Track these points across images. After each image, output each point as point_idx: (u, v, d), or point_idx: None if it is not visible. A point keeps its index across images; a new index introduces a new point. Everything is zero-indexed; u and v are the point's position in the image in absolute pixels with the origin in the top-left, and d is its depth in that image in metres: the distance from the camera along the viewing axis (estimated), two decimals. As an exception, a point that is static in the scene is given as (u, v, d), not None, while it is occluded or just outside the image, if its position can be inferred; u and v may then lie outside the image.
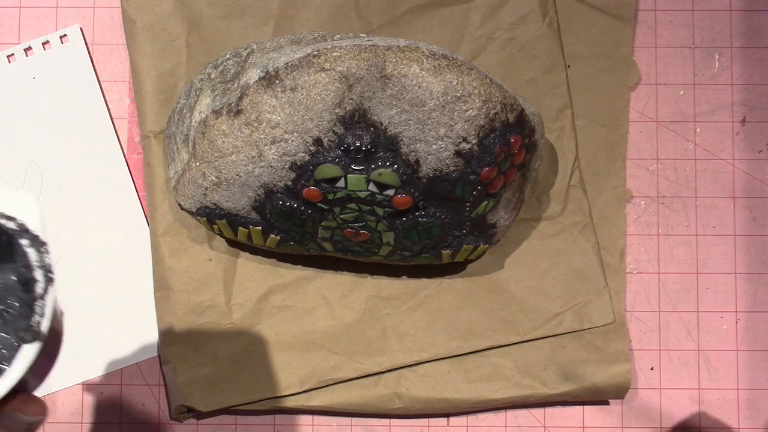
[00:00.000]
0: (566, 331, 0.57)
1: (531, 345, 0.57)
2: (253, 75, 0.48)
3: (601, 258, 0.58)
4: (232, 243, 0.58)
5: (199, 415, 0.58)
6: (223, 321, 0.58)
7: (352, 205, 0.49)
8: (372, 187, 0.48)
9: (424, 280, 0.58)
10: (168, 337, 0.57)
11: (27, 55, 0.60)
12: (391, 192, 0.49)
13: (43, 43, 0.60)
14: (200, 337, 0.57)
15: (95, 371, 0.59)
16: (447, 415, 0.59)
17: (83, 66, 0.60)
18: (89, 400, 0.59)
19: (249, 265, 0.58)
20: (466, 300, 0.58)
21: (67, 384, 0.58)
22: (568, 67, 0.58)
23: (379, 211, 0.50)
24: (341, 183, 0.48)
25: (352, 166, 0.48)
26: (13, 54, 0.60)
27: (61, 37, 0.60)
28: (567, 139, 0.58)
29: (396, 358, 0.57)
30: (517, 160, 0.50)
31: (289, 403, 0.57)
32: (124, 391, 0.59)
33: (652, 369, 0.59)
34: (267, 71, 0.48)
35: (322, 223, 0.51)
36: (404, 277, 0.58)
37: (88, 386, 0.59)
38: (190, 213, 0.53)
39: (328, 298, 0.58)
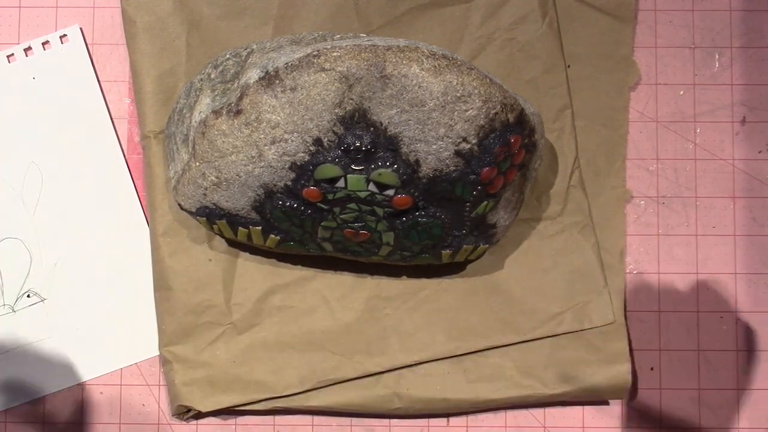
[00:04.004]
0: (566, 331, 0.57)
1: (531, 345, 0.57)
2: (253, 75, 0.48)
3: (601, 258, 0.58)
4: (232, 243, 0.58)
5: (199, 415, 0.58)
6: (223, 321, 0.58)
7: (352, 205, 0.49)
8: (372, 187, 0.48)
9: (424, 280, 0.58)
10: (168, 337, 0.57)
11: (27, 55, 0.60)
12: (391, 192, 0.49)
13: (43, 43, 0.60)
14: (200, 337, 0.57)
15: (95, 371, 0.59)
16: (447, 415, 0.59)
17: (83, 66, 0.60)
18: (89, 400, 0.59)
19: (249, 265, 0.58)
20: (465, 300, 0.58)
21: (67, 384, 0.58)
22: (568, 67, 0.58)
23: (379, 211, 0.50)
24: (341, 183, 0.48)
25: (352, 166, 0.48)
26: (13, 54, 0.60)
27: (61, 37, 0.60)
28: (567, 139, 0.58)
29: (396, 359, 0.57)
30: (517, 160, 0.50)
31: (289, 403, 0.57)
32: (124, 391, 0.59)
33: (652, 369, 0.59)
34: (267, 71, 0.48)
35: (322, 223, 0.51)
36: (404, 277, 0.58)
37: (88, 386, 0.59)
38: (190, 213, 0.53)
39: (327, 298, 0.58)
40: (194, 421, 0.59)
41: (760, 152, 0.60)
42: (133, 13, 0.58)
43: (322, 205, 0.50)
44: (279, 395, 0.57)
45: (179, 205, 0.53)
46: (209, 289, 0.58)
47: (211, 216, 0.52)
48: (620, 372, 0.57)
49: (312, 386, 0.57)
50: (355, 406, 0.57)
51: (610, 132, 0.59)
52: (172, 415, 0.58)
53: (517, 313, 0.57)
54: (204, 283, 0.58)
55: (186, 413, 0.58)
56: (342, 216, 0.50)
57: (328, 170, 0.48)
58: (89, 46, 0.60)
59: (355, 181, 0.48)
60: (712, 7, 0.60)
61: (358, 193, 0.49)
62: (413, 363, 0.57)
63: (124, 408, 0.59)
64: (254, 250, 0.58)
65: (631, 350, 0.58)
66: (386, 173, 0.48)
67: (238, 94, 0.48)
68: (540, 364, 0.57)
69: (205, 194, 0.51)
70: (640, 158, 0.60)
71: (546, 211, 0.58)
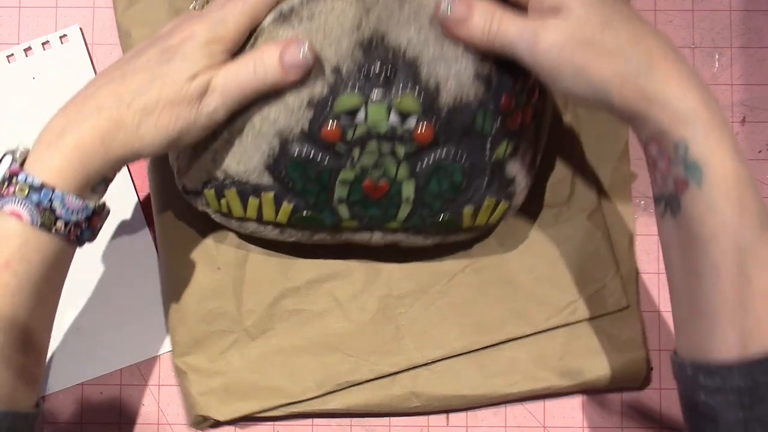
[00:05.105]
0: (580, 319, 0.57)
1: (545, 336, 0.57)
2: (267, 19, 0.47)
3: (611, 243, 0.58)
4: (242, 237, 0.57)
5: (217, 424, 0.58)
6: (236, 328, 0.57)
7: (372, 144, 0.48)
8: (393, 118, 0.47)
9: (435, 276, 0.57)
10: (181, 347, 0.57)
11: (27, 56, 0.60)
12: (412, 122, 0.47)
13: (43, 44, 0.60)
14: (213, 345, 0.57)
15: (95, 371, 0.59)
16: (465, 410, 0.58)
17: (83, 66, 0.60)
18: (89, 400, 0.59)
19: (258, 271, 0.57)
20: (477, 293, 0.57)
21: (67, 384, 0.58)
22: None
23: (400, 151, 0.48)
24: (361, 116, 0.47)
25: (372, 95, 0.47)
26: (13, 54, 0.60)
27: (60, 38, 0.60)
28: (569, 125, 0.58)
29: (411, 357, 0.57)
30: (532, 97, 0.50)
31: (307, 407, 0.57)
32: (124, 391, 0.59)
33: (651, 369, 0.59)
34: (281, 12, 0.47)
35: (339, 176, 0.49)
36: (414, 276, 0.57)
37: (88, 386, 0.59)
38: (195, 194, 0.51)
39: (339, 300, 0.57)
40: (194, 422, 0.59)
41: (760, 152, 0.60)
42: (128, 25, 0.58)
43: (341, 146, 0.48)
44: (297, 400, 0.56)
45: (183, 188, 0.52)
46: (219, 297, 0.57)
47: (219, 188, 0.50)
48: (635, 359, 0.57)
49: (329, 389, 0.57)
50: (373, 407, 0.57)
51: (611, 117, 0.59)
52: (190, 425, 0.57)
53: (530, 303, 0.57)
54: (214, 291, 0.57)
55: (203, 422, 0.57)
56: (361, 161, 0.48)
57: (348, 100, 0.47)
58: (89, 46, 0.60)
59: (375, 111, 0.47)
60: (712, 7, 0.60)
61: (379, 126, 0.47)
62: (429, 361, 0.57)
63: (124, 408, 0.59)
64: (263, 243, 0.57)
65: (644, 336, 0.58)
66: (407, 98, 0.47)
67: (252, 41, 0.47)
68: (555, 355, 0.57)
69: (214, 159, 0.49)
70: (640, 158, 0.60)
71: (553, 198, 0.58)
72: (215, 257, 0.57)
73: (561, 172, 0.58)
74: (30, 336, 0.45)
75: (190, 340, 0.57)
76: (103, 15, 0.60)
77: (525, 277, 0.57)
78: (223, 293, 0.57)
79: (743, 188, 0.41)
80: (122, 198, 0.59)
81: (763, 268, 0.40)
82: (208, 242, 0.57)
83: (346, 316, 0.57)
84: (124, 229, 0.59)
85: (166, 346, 0.59)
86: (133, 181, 0.59)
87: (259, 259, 0.58)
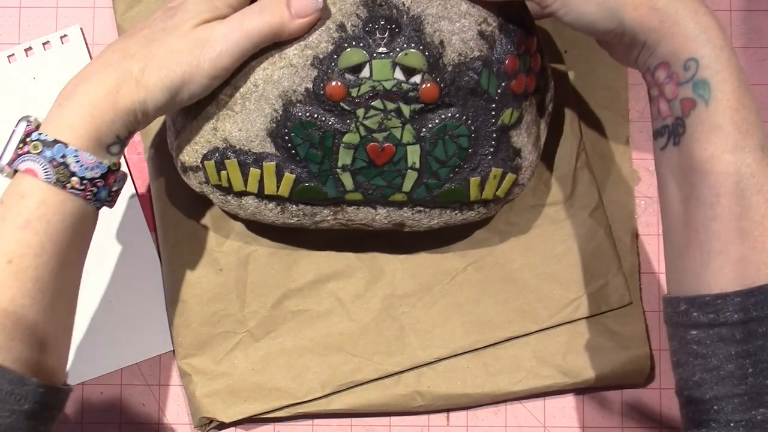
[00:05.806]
0: (583, 316, 0.57)
1: (549, 333, 0.57)
2: None
3: (614, 240, 0.58)
4: (244, 232, 0.57)
5: (222, 426, 0.58)
6: (239, 329, 0.57)
7: (377, 103, 0.47)
8: (398, 74, 0.47)
9: (437, 275, 0.58)
10: (185, 349, 0.57)
11: (27, 56, 0.60)
12: (417, 78, 0.47)
13: (44, 44, 0.60)
14: (217, 347, 0.57)
15: (95, 371, 0.59)
16: (466, 410, 0.59)
17: (83, 66, 0.60)
18: (89, 400, 0.59)
19: (260, 272, 0.57)
20: (481, 292, 0.57)
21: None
22: (565, 52, 0.59)
23: (405, 110, 0.48)
24: (366, 72, 0.47)
25: (377, 51, 0.47)
26: (13, 54, 0.60)
27: (61, 38, 0.60)
28: (570, 122, 0.58)
29: (415, 357, 0.57)
30: (535, 64, 0.50)
31: (311, 408, 0.57)
32: (124, 391, 0.59)
33: (652, 369, 0.59)
34: None
35: (343, 139, 0.48)
36: (416, 275, 0.58)
37: (88, 386, 0.59)
38: (195, 170, 0.50)
39: (342, 300, 0.58)
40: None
41: (760, 152, 0.60)
42: (128, 28, 0.58)
43: (345, 106, 0.47)
44: (301, 401, 0.57)
45: (181, 165, 0.51)
46: (223, 299, 0.57)
47: (219, 158, 0.49)
48: (639, 356, 0.57)
49: (333, 390, 0.57)
50: (377, 407, 0.57)
51: (611, 113, 0.59)
52: (195, 428, 0.57)
53: (534, 301, 0.57)
54: (217, 293, 0.57)
55: (208, 424, 0.57)
56: (365, 122, 0.48)
57: (353, 55, 0.47)
58: (89, 46, 0.60)
59: (380, 67, 0.47)
60: (712, 7, 0.60)
61: (384, 83, 0.47)
62: (433, 360, 0.57)
63: (124, 408, 0.59)
64: (265, 232, 0.57)
65: (647, 332, 0.58)
66: (412, 53, 0.47)
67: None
68: (558, 352, 0.57)
69: (215, 128, 0.48)
70: (640, 158, 0.60)
71: (555, 196, 0.58)
72: (217, 259, 0.57)
73: (563, 169, 0.58)
74: (54, 303, 0.44)
75: (194, 343, 0.57)
76: (103, 15, 0.61)
77: (527, 274, 0.57)
78: (226, 295, 0.57)
79: (747, 111, 0.41)
80: (123, 198, 0.59)
81: (762, 194, 0.40)
82: (210, 244, 0.58)
83: (349, 316, 0.57)
84: (124, 229, 0.59)
85: (167, 345, 0.59)
86: (133, 181, 0.59)
87: (262, 260, 0.58)
